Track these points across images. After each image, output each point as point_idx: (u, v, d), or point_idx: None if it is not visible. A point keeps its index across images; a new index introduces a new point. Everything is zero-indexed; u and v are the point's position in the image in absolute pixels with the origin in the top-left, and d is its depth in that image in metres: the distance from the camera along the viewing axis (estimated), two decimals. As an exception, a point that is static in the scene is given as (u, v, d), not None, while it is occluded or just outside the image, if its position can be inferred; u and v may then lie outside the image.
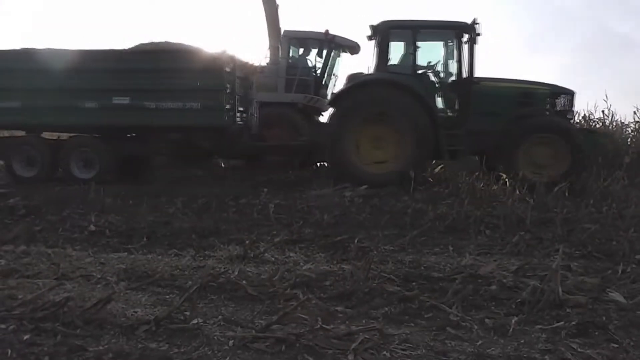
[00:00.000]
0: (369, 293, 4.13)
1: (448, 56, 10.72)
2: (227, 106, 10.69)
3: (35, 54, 10.79)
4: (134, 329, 3.42)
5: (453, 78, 10.55)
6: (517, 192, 8.11)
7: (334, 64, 14.19)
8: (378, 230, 6.62)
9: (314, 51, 14.08)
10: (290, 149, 12.50)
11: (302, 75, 13.58)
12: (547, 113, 10.44)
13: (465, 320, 3.60)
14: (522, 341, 3.33)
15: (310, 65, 14.12)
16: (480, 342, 3.32)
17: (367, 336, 3.28)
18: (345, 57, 14.47)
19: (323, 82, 13.99)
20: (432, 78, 10.72)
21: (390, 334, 3.39)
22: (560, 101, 10.52)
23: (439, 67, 10.77)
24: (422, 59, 10.54)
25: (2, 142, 11.48)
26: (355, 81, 10.44)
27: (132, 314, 3.70)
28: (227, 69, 10.65)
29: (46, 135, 11.88)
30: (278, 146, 12.51)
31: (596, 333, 3.45)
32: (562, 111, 10.48)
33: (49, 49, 10.89)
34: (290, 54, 14.01)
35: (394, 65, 10.62)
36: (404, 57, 10.77)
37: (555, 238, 6.18)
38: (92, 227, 6.60)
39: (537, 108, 10.40)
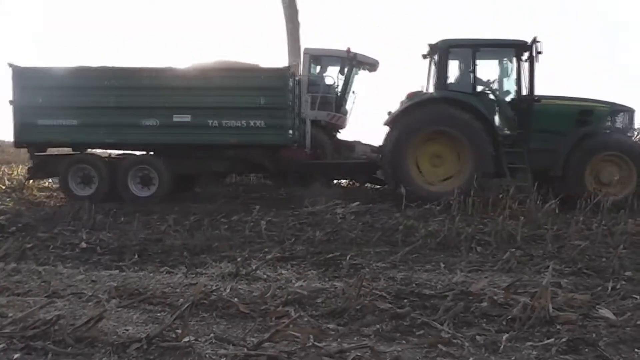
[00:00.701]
0: (361, 310, 4.14)
1: (508, 74, 10.79)
2: (290, 124, 10.73)
3: (93, 71, 10.78)
4: (125, 347, 3.41)
5: (512, 96, 10.61)
6: (508, 209, 8.15)
7: (353, 81, 14.37)
8: (370, 247, 6.64)
9: (333, 68, 14.25)
10: (349, 167, 12.33)
11: (324, 92, 13.75)
12: (608, 131, 10.38)
13: (457, 337, 3.61)
14: (513, 358, 3.35)
15: (331, 82, 14.27)
16: (471, 359, 3.33)
17: (358, 354, 3.28)
18: (362, 74, 14.67)
19: (343, 99, 14.17)
20: (492, 96, 10.75)
21: (381, 351, 3.39)
22: (621, 119, 10.51)
23: (498, 85, 10.85)
24: (481, 77, 10.65)
25: (58, 160, 11.27)
26: (415, 100, 10.42)
27: (123, 332, 3.69)
28: (290, 86, 10.67)
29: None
30: (336, 164, 12.39)
31: (586, 350, 3.47)
32: (623, 129, 10.50)
33: (107, 66, 10.86)
34: (310, 71, 14.14)
35: (452, 83, 10.67)
36: (462, 76, 10.79)
37: (545, 255, 6.22)
38: (83, 245, 6.58)
39: (597, 126, 10.34)
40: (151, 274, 5.40)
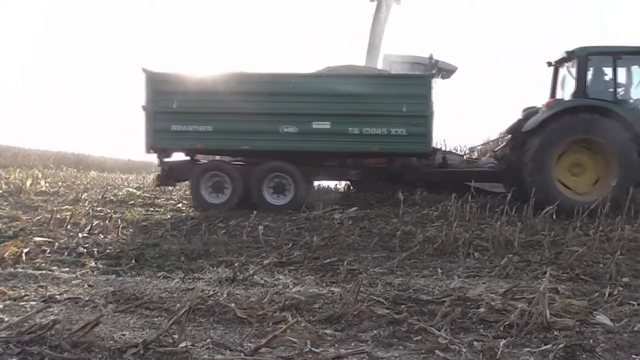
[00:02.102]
0: (358, 316, 4.14)
1: None
2: (431, 132, 10.51)
3: (231, 76, 10.64)
4: (122, 352, 3.40)
5: None
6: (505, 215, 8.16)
7: None
8: (367, 252, 6.65)
9: None
10: (487, 175, 11.90)
11: None
12: None
13: (454, 343, 3.61)
14: (511, 364, 3.34)
15: None
16: (468, 365, 3.33)
17: (356, 359, 3.28)
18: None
19: None
20: (633, 104, 10.56)
21: (379, 357, 3.39)
22: None
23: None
24: (621, 85, 10.53)
25: (189, 167, 11.10)
26: (557, 108, 10.23)
27: (120, 337, 3.68)
28: (433, 94, 10.47)
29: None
30: (466, 172, 11.98)
31: (583, 356, 3.47)
32: None
33: (246, 72, 10.77)
34: None
35: (592, 91, 10.43)
36: (601, 83, 10.60)
37: (543, 260, 6.23)
38: (81, 249, 6.57)
39: None
40: (148, 279, 5.41)
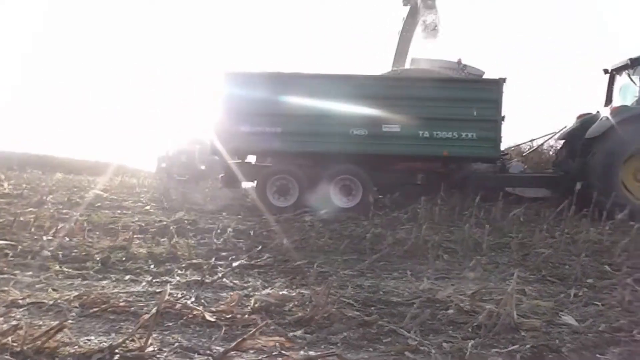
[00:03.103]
0: (328, 318, 4.12)
1: None
2: (500, 137, 10.51)
3: (304, 77, 10.50)
4: (87, 358, 3.31)
5: None
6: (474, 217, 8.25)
7: None
8: (337, 255, 6.65)
9: None
10: (546, 181, 11.94)
11: None
12: None
13: (424, 345, 3.62)
14: (479, 365, 3.36)
15: None
16: (438, 366, 3.34)
17: (326, 362, 3.26)
18: None
19: None
20: None
21: (349, 359, 3.38)
22: None
23: None
24: None
25: (256, 169, 10.96)
26: (624, 115, 10.33)
27: (85, 342, 3.59)
28: (503, 98, 10.43)
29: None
30: (531, 178, 12.05)
31: (550, 356, 3.51)
32: None
33: (318, 73, 10.59)
34: None
35: None
36: None
37: (510, 262, 6.32)
38: (45, 253, 6.42)
39: None
40: (115, 283, 5.30)
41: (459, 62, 13.51)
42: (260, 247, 6.92)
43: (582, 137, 11.03)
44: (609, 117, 10.61)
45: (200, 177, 20.35)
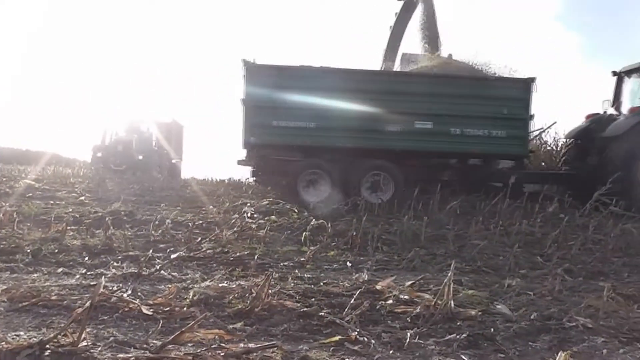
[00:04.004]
0: (268, 310, 4.10)
1: None
2: (528, 135, 10.60)
3: (337, 72, 10.30)
4: (15, 355, 3.16)
5: None
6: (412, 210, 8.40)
7: None
8: (278, 246, 6.62)
9: None
10: (563, 178, 12.00)
11: None
12: None
13: (363, 335, 3.65)
14: (417, 354, 3.42)
15: None
16: (377, 356, 3.37)
17: (265, 354, 3.23)
18: None
19: None
20: None
21: (289, 350, 3.37)
22: None
23: None
24: None
25: (287, 164, 10.64)
26: None
27: (13, 338, 3.43)
28: (532, 97, 10.46)
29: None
30: (551, 175, 12.11)
31: (485, 344, 3.61)
32: None
33: (352, 68, 10.49)
34: None
35: None
36: None
37: (447, 254, 6.46)
38: (-30, 245, 6.11)
39: None
40: (46, 276, 5.09)
41: (449, 57, 13.76)
42: (199, 238, 6.81)
43: (593, 136, 11.50)
44: (629, 116, 11.06)
45: (137, 168, 19.86)
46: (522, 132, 10.81)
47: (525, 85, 10.78)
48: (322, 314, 4.05)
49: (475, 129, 10.62)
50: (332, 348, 3.48)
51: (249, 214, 8.61)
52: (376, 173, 10.64)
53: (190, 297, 4.35)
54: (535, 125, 11.24)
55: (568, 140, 12.70)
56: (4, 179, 13.29)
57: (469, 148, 10.79)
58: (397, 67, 14.73)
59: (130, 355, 3.23)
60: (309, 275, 5.31)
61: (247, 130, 10.38)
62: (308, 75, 10.56)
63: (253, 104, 10.30)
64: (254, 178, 11.31)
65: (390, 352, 3.45)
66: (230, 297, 4.42)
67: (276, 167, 10.93)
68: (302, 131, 10.38)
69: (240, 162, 11.19)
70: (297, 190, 10.46)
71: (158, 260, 5.61)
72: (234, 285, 4.80)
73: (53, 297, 4.30)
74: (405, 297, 4.50)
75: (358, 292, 4.59)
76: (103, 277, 5.04)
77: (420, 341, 3.61)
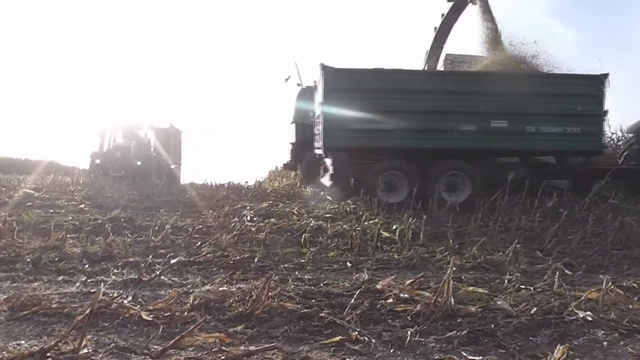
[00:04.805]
0: (269, 312, 4.11)
1: None
2: (602, 131, 10.61)
3: (412, 74, 10.44)
4: (16, 363, 3.18)
5: None
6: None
7: None
8: (278, 248, 6.62)
9: None
10: (632, 173, 11.78)
11: None
12: None
13: (364, 335, 3.66)
14: (418, 352, 3.43)
15: None
16: (378, 355, 3.38)
17: (266, 356, 3.24)
18: None
19: None
20: None
21: (289, 352, 3.37)
22: None
23: None
24: None
25: (365, 166, 10.60)
26: None
27: (14, 347, 3.45)
28: (605, 93, 10.46)
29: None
30: (620, 170, 11.72)
31: (485, 340, 3.61)
32: None
33: (427, 70, 10.63)
34: None
35: None
36: None
37: (447, 251, 6.45)
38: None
39: None
40: (46, 284, 5.10)
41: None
42: (199, 243, 6.81)
43: None
44: None
45: (136, 174, 19.82)
46: (596, 129, 10.82)
47: (598, 82, 10.80)
48: (323, 314, 4.06)
49: (550, 126, 10.68)
50: (333, 348, 3.48)
51: (248, 217, 8.61)
52: (454, 173, 10.69)
53: (191, 301, 4.35)
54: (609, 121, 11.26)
55: (628, 135, 12.72)
56: (4, 189, 13.27)
57: (544, 146, 10.87)
58: (439, 67, 14.84)
59: (131, 360, 3.24)
60: (309, 277, 5.32)
61: (327, 134, 10.48)
62: (384, 78, 10.65)
63: (332, 108, 10.44)
64: (332, 182, 11.28)
65: (391, 350, 3.46)
66: (231, 301, 4.42)
67: (355, 169, 11.00)
68: (381, 133, 10.42)
69: (285, 167, 11.25)
70: (376, 191, 10.47)
71: (158, 266, 5.61)
72: (234, 289, 4.80)
73: (53, 305, 4.30)
74: (406, 295, 4.51)
75: (358, 292, 4.59)
76: (103, 284, 5.05)
77: (421, 339, 3.62)
